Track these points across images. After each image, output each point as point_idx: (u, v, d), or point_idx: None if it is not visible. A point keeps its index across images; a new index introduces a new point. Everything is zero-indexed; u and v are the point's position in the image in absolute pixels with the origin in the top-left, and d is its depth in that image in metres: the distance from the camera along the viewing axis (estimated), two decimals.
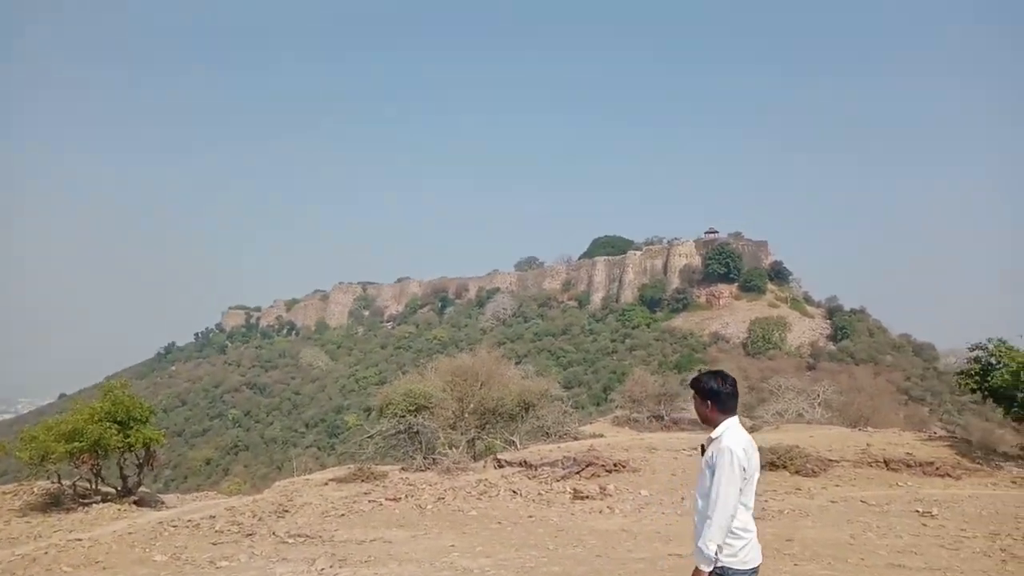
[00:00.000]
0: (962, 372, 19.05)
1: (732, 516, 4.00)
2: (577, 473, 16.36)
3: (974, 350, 18.71)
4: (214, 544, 11.40)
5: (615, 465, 16.76)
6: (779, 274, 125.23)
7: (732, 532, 4.04)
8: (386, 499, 15.40)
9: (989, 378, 17.81)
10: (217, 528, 12.64)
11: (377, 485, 17.52)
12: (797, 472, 17.09)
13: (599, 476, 16.34)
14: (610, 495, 14.59)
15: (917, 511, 12.69)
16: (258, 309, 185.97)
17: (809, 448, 18.25)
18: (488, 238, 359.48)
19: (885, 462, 17.38)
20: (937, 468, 16.75)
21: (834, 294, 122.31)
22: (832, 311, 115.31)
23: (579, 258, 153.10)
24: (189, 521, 13.66)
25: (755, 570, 4.16)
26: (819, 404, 34.28)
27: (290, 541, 11.47)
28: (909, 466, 16.99)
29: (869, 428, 24.39)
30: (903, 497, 14.19)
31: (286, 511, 14.69)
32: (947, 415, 79.16)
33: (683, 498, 14.25)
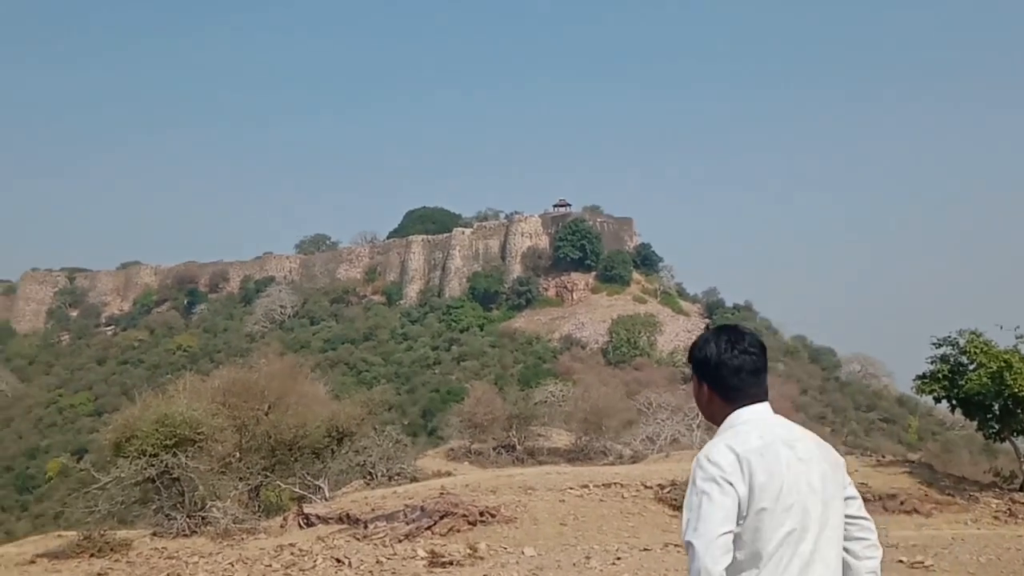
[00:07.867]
0: (925, 376, 19.76)
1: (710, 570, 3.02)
2: (428, 528, 15.31)
3: (941, 346, 19.45)
4: None
5: (481, 514, 15.87)
6: (647, 260, 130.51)
7: None
8: None
9: (961, 382, 18.52)
10: None
11: (117, 560, 15.62)
12: None
13: (460, 531, 15.40)
14: (482, 558, 13.61)
15: (902, 561, 12.71)
16: None
17: None
18: (256, 209, 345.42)
19: None
20: (902, 502, 17.24)
21: (713, 286, 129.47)
22: (711, 307, 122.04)
23: (388, 237, 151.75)
24: None
25: None
26: (699, 426, 34.57)
27: None
28: (868, 500, 17.19)
29: None
30: None
31: None
32: (852, 436, 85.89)
33: (588, 557, 13.52)
